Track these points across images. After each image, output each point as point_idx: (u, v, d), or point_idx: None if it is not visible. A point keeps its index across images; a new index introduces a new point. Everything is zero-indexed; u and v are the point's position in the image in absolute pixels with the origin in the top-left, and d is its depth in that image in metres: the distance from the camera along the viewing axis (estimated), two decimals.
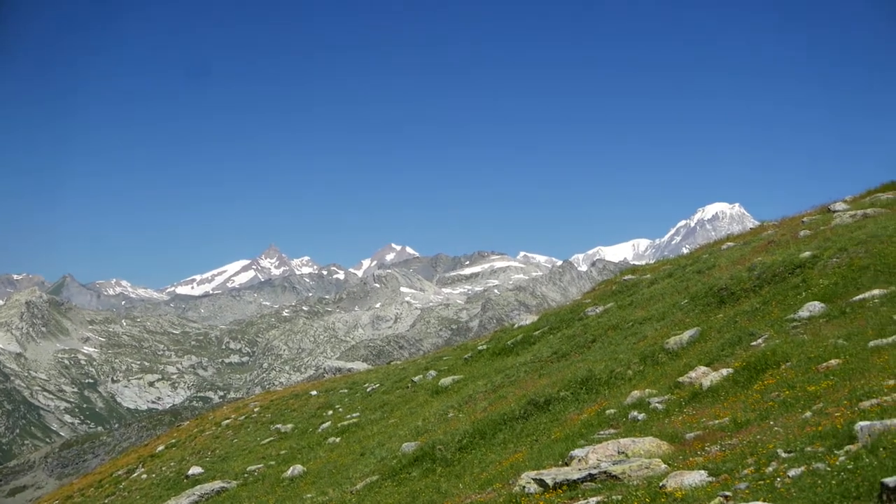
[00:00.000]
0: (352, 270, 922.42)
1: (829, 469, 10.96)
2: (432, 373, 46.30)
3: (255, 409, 56.60)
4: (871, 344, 17.93)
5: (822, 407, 14.71)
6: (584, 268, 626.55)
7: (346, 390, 53.76)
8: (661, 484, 12.98)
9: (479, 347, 47.51)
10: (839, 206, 41.08)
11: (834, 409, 14.16)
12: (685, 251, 55.05)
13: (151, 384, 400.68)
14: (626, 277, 48.18)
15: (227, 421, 55.63)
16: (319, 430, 43.56)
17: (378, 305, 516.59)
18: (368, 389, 50.89)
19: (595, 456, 15.87)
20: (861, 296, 23.46)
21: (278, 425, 48.33)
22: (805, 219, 41.18)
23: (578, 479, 14.71)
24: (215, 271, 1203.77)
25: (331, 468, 33.13)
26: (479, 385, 36.35)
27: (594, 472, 14.64)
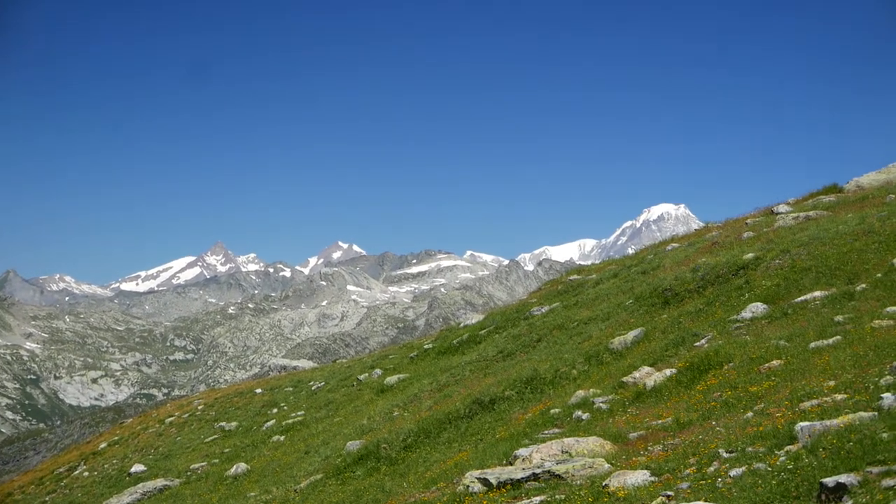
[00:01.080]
0: (298, 268, 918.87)
1: (769, 469, 11.07)
2: (378, 371, 46.27)
3: (199, 407, 56.27)
4: (812, 345, 18.14)
5: (763, 407, 14.85)
6: (530, 267, 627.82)
7: (291, 388, 53.59)
8: (604, 483, 13.05)
9: (425, 346, 47.53)
10: (782, 208, 41.46)
11: (775, 409, 14.30)
12: (631, 252, 55.42)
13: (95, 381, 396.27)
14: (571, 277, 48.38)
15: (171, 419, 55.27)
16: (264, 428, 43.41)
17: (324, 303, 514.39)
18: (314, 388, 50.77)
19: (539, 455, 15.92)
20: (803, 297, 23.73)
21: (222, 423, 48.09)
22: (749, 220, 41.54)
23: (522, 478, 14.75)
24: (160, 268, 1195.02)
25: (275, 466, 33.05)
26: (425, 384, 36.39)
27: (538, 471, 14.68)
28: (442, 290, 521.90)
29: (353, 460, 26.44)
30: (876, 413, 11.68)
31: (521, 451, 16.54)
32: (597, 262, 58.11)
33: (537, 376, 26.81)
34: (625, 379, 21.85)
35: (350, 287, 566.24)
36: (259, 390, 56.29)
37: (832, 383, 14.64)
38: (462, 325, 50.82)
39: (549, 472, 14.55)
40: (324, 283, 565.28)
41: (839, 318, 20.17)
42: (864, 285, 22.76)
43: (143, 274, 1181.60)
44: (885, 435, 10.44)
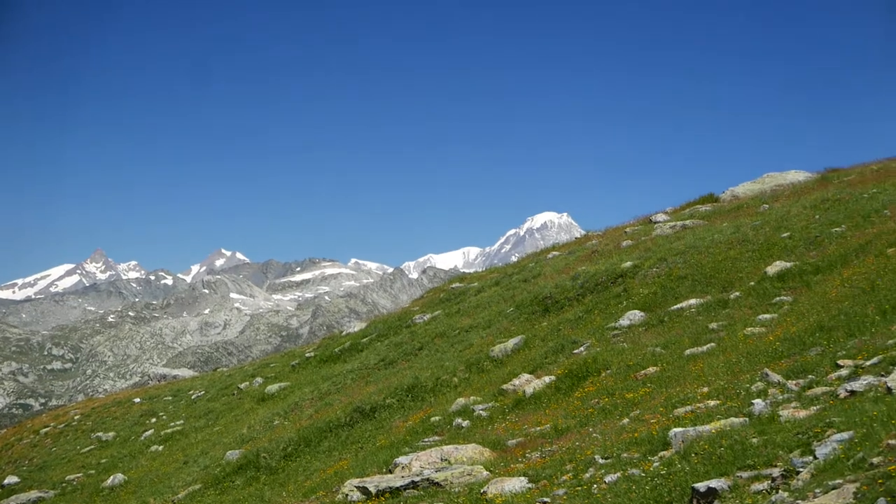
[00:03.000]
0: (180, 276, 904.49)
1: (643, 475, 11.21)
2: (259, 380, 45.91)
3: (76, 417, 55.18)
4: (688, 352, 18.46)
5: (639, 414, 15.05)
6: (414, 275, 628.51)
7: (170, 397, 52.86)
8: (482, 490, 13.11)
9: (307, 354, 47.31)
10: (660, 217, 42.19)
11: (650, 415, 14.50)
12: (514, 259, 55.78)
13: None
14: (454, 285, 48.55)
15: (47, 429, 54.06)
16: (142, 438, 42.75)
17: (207, 311, 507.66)
18: (193, 397, 50.16)
19: (419, 463, 15.93)
20: (679, 305, 24.14)
21: (99, 433, 47.20)
22: (628, 229, 42.17)
23: (401, 486, 14.74)
24: (38, 275, 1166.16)
25: (153, 477, 32.58)
26: (306, 392, 36.22)
27: (417, 479, 14.69)
28: (326, 297, 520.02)
29: (232, 470, 26.21)
30: (747, 419, 11.91)
31: (401, 459, 16.55)
32: (481, 269, 58.42)
33: (418, 384, 26.87)
34: (505, 386, 22.01)
35: (233, 295, 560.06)
36: (138, 399, 55.40)
37: (706, 390, 14.89)
38: (345, 333, 50.74)
39: (428, 479, 14.57)
40: (206, 290, 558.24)
41: (713, 325, 20.57)
42: (737, 293, 23.24)
43: (20, 282, 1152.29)
44: (755, 440, 10.64)
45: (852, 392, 11.49)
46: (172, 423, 43.64)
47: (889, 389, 10.59)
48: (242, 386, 46.15)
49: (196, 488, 26.36)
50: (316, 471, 22.13)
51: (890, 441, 8.59)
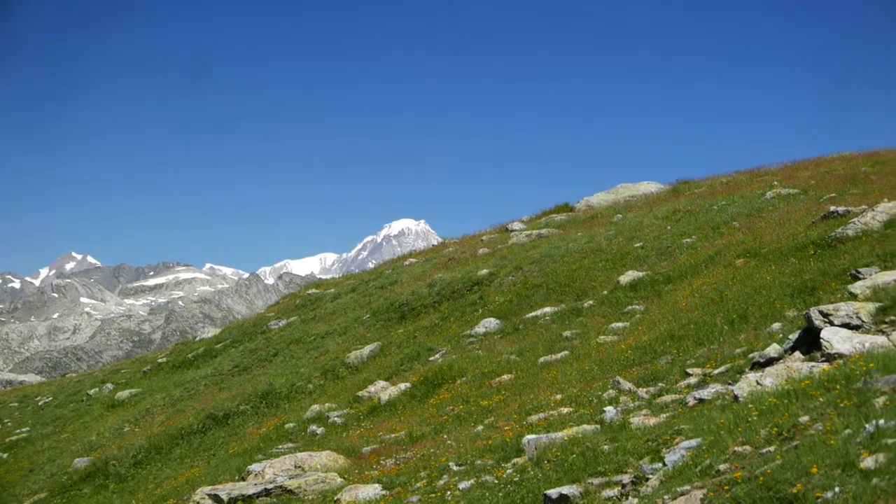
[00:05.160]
0: (28, 279, 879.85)
1: (497, 482, 11.26)
2: (109, 386, 44.97)
3: None
4: (542, 360, 18.67)
5: (493, 421, 15.16)
6: (270, 281, 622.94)
7: (16, 404, 51.45)
8: (336, 498, 13.08)
9: (159, 360, 46.54)
10: (516, 225, 42.57)
11: (504, 422, 14.61)
12: (371, 266, 55.81)
13: None
14: (310, 291, 48.34)
15: None
16: None
17: (56, 316, 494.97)
18: (41, 403, 48.90)
19: (272, 470, 15.79)
20: (534, 313, 24.41)
21: None
22: (484, 237, 42.47)
23: (254, 493, 14.60)
24: None
25: None
26: (158, 399, 35.64)
27: (270, 486, 14.56)
28: (180, 302, 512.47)
29: (80, 478, 25.68)
30: (598, 426, 12.06)
31: (255, 467, 16.38)
32: (337, 276, 58.45)
33: (273, 391, 26.70)
34: (360, 393, 21.99)
35: (83, 299, 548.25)
36: None
37: (559, 397, 15.07)
38: (198, 338, 50.08)
39: (281, 487, 14.46)
40: (55, 294, 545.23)
41: (567, 333, 20.85)
42: (591, 302, 23.60)
43: None
44: (606, 447, 10.77)
45: (701, 400, 11.72)
46: (18, 430, 42.45)
47: (736, 397, 10.82)
48: (92, 392, 45.13)
49: (42, 497, 25.78)
50: (167, 478, 21.82)
51: (736, 448, 8.78)
